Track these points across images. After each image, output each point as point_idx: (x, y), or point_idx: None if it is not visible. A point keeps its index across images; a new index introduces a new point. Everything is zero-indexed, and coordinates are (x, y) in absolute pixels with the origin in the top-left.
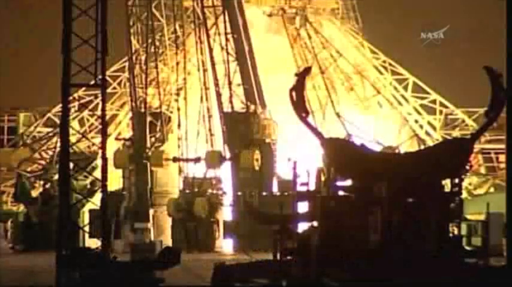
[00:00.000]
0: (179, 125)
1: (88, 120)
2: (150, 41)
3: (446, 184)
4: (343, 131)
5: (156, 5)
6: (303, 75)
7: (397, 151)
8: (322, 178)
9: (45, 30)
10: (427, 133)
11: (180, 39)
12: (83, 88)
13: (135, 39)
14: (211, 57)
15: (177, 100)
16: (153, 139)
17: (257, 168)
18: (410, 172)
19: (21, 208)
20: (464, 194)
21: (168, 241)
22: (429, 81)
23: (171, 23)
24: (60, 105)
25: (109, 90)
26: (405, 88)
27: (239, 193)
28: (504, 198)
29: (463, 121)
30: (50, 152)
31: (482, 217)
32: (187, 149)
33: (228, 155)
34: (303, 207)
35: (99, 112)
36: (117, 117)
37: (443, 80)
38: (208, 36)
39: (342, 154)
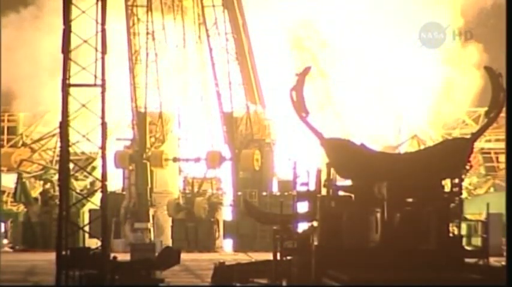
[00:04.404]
0: (179, 125)
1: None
2: (149, 41)
3: (446, 183)
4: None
5: (156, 5)
6: (303, 75)
7: (397, 151)
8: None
9: (46, 29)
10: (427, 133)
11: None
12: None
13: (135, 39)
14: (211, 57)
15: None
16: (152, 139)
17: (257, 168)
18: (410, 172)
19: (21, 208)
20: (464, 194)
21: (168, 241)
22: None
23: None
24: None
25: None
26: None
27: (239, 193)
28: (504, 198)
29: (463, 121)
30: (50, 152)
31: (482, 217)
32: (188, 149)
33: (228, 155)
34: (303, 207)
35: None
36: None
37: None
38: (208, 36)
39: (342, 154)
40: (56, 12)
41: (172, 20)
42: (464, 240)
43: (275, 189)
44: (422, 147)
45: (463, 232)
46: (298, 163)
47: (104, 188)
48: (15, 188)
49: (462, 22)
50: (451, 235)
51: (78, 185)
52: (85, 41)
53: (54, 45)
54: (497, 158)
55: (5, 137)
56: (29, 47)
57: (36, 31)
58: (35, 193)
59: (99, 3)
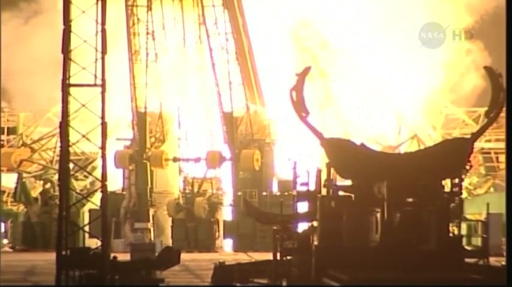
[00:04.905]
0: (179, 125)
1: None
2: (149, 41)
3: (446, 183)
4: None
5: (156, 5)
6: (303, 75)
7: (397, 151)
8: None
9: (45, 27)
10: (427, 133)
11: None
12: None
13: (135, 39)
14: (211, 57)
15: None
16: (152, 139)
17: (257, 168)
18: (410, 172)
19: (21, 208)
20: (464, 194)
21: (168, 241)
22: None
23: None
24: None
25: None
26: None
27: (239, 193)
28: (504, 198)
29: (463, 121)
30: (50, 152)
31: (482, 217)
32: (188, 149)
33: (228, 155)
34: (303, 207)
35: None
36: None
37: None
38: (208, 36)
39: (342, 154)
40: (55, 10)
41: (173, 20)
42: (464, 240)
43: (275, 189)
44: (422, 147)
45: (463, 232)
46: (298, 163)
47: (104, 188)
48: (15, 188)
49: (463, 22)
50: (451, 235)
51: (78, 185)
52: (85, 41)
53: (54, 43)
54: (497, 158)
55: (5, 137)
56: (28, 44)
57: (35, 28)
58: (35, 193)
59: (99, 3)
